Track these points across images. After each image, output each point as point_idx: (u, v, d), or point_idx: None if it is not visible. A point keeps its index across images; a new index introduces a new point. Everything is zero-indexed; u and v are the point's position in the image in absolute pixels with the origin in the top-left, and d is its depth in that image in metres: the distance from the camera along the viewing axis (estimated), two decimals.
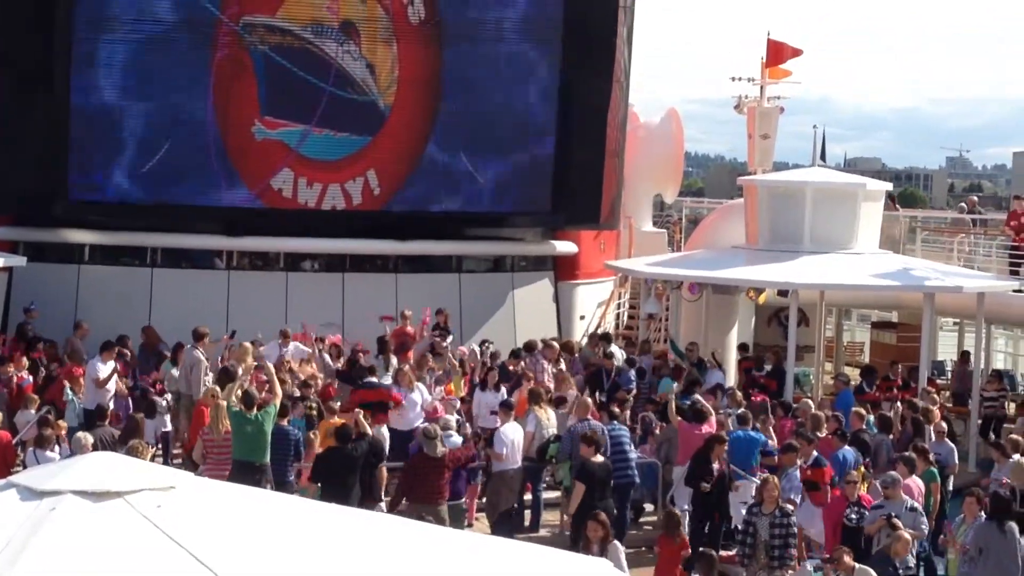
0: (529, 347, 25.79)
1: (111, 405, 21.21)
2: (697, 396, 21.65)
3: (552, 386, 23.06)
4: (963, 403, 27.70)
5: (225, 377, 19.98)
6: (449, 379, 23.65)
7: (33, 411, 20.49)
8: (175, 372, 23.14)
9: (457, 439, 19.10)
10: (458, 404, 22.43)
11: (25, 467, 16.55)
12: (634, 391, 24.08)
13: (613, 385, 23.83)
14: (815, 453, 18.91)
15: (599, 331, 29.91)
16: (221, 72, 27.75)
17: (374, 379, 22.12)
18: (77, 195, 27.64)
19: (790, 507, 16.99)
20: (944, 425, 21.44)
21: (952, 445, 20.98)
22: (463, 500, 18.97)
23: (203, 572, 6.18)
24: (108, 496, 6.60)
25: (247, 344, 22.10)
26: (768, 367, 26.30)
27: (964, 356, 30.21)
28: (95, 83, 27.19)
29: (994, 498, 16.16)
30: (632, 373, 24.77)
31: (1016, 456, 19.07)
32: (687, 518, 18.82)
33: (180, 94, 27.50)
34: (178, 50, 27.36)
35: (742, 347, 28.74)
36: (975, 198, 45.23)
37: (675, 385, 23.54)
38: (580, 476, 18.20)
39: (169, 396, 22.63)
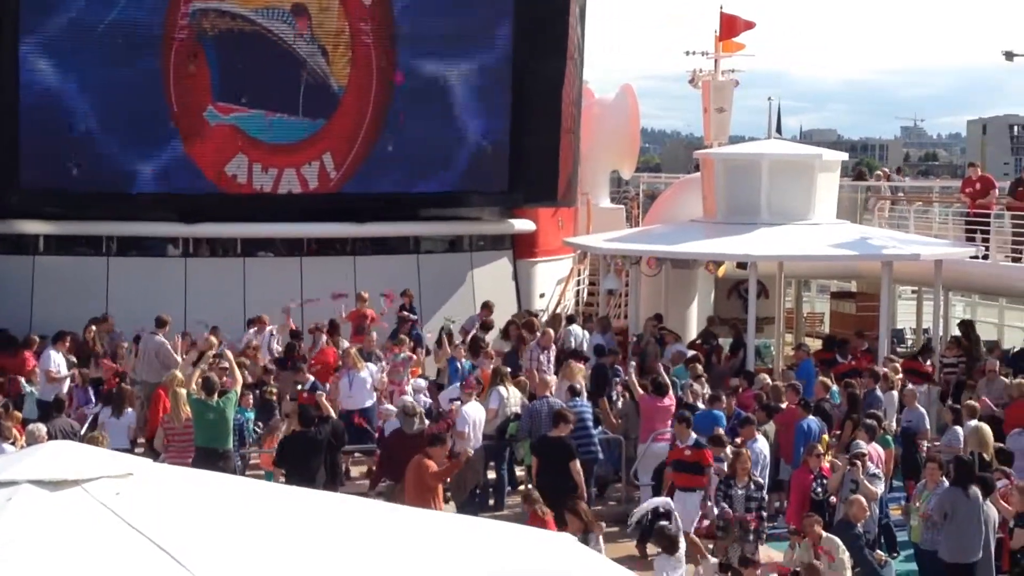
0: (485, 327, 25.55)
1: (74, 398, 20.99)
2: (660, 368, 21.65)
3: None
4: None
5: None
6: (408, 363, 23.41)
7: None
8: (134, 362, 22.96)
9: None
10: (424, 385, 22.29)
11: None
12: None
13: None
14: (693, 435, 17.97)
15: (565, 312, 29.81)
16: (173, 58, 27.50)
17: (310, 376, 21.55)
18: (29, 184, 27.34)
19: (760, 480, 17.06)
20: (915, 391, 21.48)
21: (923, 411, 20.98)
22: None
23: (163, 558, 6.09)
24: (65, 484, 6.49)
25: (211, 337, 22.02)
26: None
27: None
28: (45, 70, 26.85)
29: (958, 463, 16.24)
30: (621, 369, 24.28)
31: (973, 422, 19.16)
32: (649, 492, 18.85)
33: (132, 80, 27.22)
34: (129, 36, 27.08)
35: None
36: (887, 169, 46.44)
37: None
38: (533, 449, 18.50)
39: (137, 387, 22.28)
